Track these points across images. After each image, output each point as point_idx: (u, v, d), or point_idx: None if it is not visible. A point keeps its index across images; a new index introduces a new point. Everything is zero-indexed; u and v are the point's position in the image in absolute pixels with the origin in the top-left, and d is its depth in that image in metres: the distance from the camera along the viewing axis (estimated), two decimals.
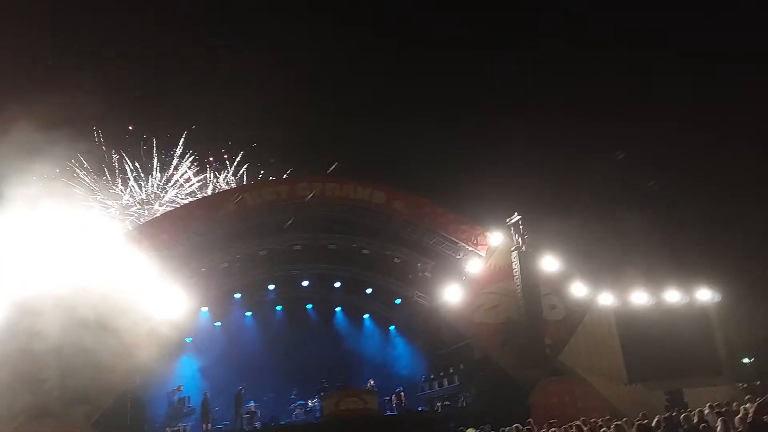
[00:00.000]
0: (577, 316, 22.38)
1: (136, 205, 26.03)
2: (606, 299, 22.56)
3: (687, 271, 23.12)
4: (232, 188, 26.51)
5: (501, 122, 33.10)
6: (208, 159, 28.88)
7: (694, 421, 11.13)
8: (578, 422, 10.53)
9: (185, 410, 21.11)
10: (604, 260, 23.04)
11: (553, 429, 11.32)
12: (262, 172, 27.23)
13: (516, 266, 22.17)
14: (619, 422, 10.45)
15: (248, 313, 28.54)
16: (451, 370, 25.67)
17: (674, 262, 23.27)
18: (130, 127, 26.72)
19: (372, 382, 24.87)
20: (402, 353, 29.81)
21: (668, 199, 26.45)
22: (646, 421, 9.06)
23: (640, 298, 22.92)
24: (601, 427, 10.99)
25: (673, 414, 11.63)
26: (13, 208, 16.24)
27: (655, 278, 23.00)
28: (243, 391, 22.44)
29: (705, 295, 23.52)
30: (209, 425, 21.33)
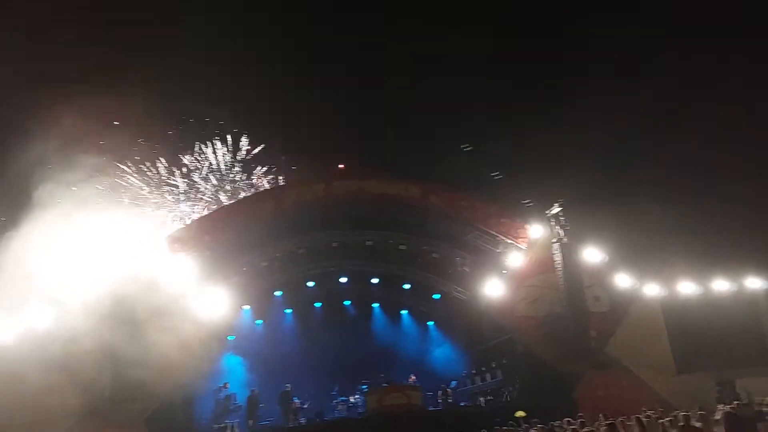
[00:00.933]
0: (622, 308, 22.00)
1: (184, 206, 26.39)
2: (652, 290, 22.12)
3: (735, 259, 22.51)
4: (270, 188, 26.71)
5: (537, 113, 32.59)
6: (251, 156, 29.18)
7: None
8: (638, 415, 10.32)
9: (231, 407, 21.37)
10: (649, 250, 22.56)
11: (608, 422, 11.11)
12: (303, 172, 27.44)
13: (557, 258, 21.89)
14: (687, 413, 10.25)
15: (288, 311, 28.82)
16: (493, 365, 25.49)
17: (722, 250, 22.66)
18: (170, 132, 27.05)
19: (414, 378, 24.83)
20: (442, 348, 29.74)
21: (714, 184, 25.67)
22: (730, 409, 8.87)
23: (687, 287, 22.41)
24: (659, 419, 10.79)
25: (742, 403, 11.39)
26: (61, 210, 16.59)
27: (702, 267, 22.48)
28: (290, 389, 22.65)
29: (754, 283, 22.88)
30: (254, 422, 21.56)
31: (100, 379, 17.82)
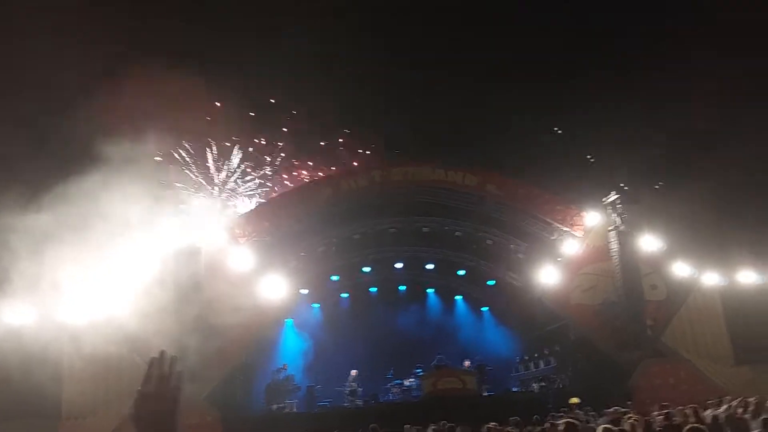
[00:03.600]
0: (680, 297, 21.73)
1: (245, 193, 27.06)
2: (711, 279, 21.76)
3: None
4: (327, 175, 27.22)
5: (594, 100, 31.90)
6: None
7: None
8: (694, 405, 10.35)
9: (290, 388, 22.10)
10: (708, 238, 22.14)
11: (665, 412, 11.15)
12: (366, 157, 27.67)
13: (614, 246, 21.74)
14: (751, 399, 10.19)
15: (344, 295, 29.44)
16: (546, 351, 25.51)
17: None
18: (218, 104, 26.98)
19: (468, 363, 25.10)
20: (495, 334, 29.85)
21: None
22: None
23: (747, 277, 21.95)
24: (715, 407, 10.77)
25: None
26: (127, 194, 17.19)
27: (763, 256, 21.93)
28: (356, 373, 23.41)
29: None
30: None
31: None
